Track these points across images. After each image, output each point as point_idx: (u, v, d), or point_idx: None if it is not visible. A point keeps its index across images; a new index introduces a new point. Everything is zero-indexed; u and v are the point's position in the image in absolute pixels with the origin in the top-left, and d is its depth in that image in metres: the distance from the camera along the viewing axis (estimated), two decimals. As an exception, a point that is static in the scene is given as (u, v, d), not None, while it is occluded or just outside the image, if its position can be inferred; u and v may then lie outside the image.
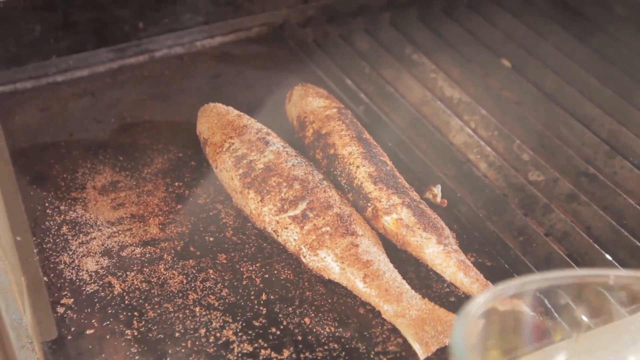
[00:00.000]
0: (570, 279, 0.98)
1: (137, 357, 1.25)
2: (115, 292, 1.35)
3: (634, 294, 0.97)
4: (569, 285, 0.97)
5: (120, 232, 1.47)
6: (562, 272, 1.02)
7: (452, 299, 1.34)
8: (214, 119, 1.57)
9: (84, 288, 1.36)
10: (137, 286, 1.36)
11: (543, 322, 1.03)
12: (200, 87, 1.86)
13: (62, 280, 1.37)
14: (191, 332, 1.29)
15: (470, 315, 0.91)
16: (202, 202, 1.53)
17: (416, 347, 1.24)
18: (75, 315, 1.32)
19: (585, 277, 0.99)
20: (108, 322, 1.30)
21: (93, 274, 1.39)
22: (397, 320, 1.27)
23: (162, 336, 1.28)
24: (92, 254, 1.42)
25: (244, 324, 1.30)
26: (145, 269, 1.39)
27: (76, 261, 1.41)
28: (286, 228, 1.38)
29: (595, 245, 1.43)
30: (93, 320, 1.31)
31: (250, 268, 1.40)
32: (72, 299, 1.34)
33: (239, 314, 1.31)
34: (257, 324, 1.30)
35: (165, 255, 1.42)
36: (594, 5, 2.05)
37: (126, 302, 1.34)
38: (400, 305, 1.27)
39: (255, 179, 1.44)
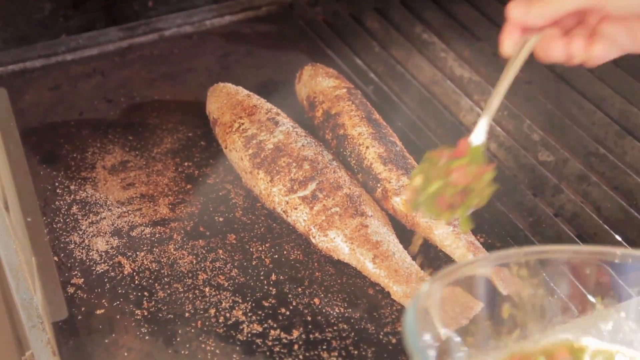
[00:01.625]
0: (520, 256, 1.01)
1: (147, 337, 1.26)
2: (125, 272, 1.36)
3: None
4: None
5: (130, 212, 1.47)
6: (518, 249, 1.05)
7: (461, 280, 1.34)
8: (224, 98, 1.57)
9: (94, 268, 1.37)
10: (147, 266, 1.37)
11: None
12: (210, 67, 1.85)
13: (72, 260, 1.38)
14: (201, 312, 1.29)
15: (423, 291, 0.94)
16: (212, 182, 1.53)
17: (437, 326, 1.24)
18: (85, 295, 1.32)
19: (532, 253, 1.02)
20: (118, 302, 1.31)
21: (103, 253, 1.39)
22: (407, 301, 1.27)
23: (171, 316, 1.29)
24: (102, 234, 1.42)
25: (253, 305, 1.30)
26: (155, 249, 1.40)
27: (86, 241, 1.41)
28: (296, 208, 1.39)
29: (605, 226, 1.43)
30: (103, 300, 1.31)
31: (260, 248, 1.40)
32: (82, 279, 1.35)
33: (249, 295, 1.32)
34: (266, 304, 1.31)
35: (175, 235, 1.42)
36: None
37: (136, 282, 1.34)
38: (410, 286, 1.28)
39: (264, 159, 1.44)
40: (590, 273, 1.00)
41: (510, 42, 1.15)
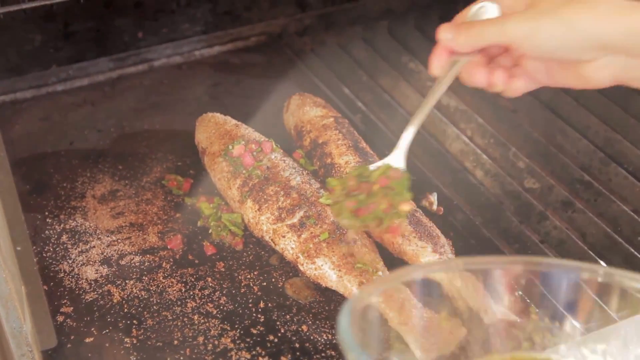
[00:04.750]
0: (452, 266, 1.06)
1: (136, 365, 1.27)
2: (115, 301, 1.36)
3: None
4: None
5: (119, 240, 1.48)
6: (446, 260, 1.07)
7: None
8: (212, 128, 1.59)
9: (83, 296, 1.37)
10: (136, 294, 1.38)
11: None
12: (199, 96, 1.87)
13: (62, 289, 1.39)
14: (190, 340, 1.30)
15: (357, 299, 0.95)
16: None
17: (417, 354, 1.25)
18: (74, 324, 1.33)
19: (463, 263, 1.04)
20: (107, 330, 1.32)
21: (92, 282, 1.40)
22: (401, 328, 1.28)
23: (160, 344, 1.29)
24: (91, 263, 1.43)
25: (242, 332, 1.31)
26: (144, 278, 1.41)
27: (76, 270, 1.42)
28: (283, 237, 1.40)
29: (590, 252, 1.44)
30: (92, 329, 1.32)
31: (248, 276, 1.41)
32: (72, 307, 1.35)
33: (237, 322, 1.33)
34: (255, 331, 1.31)
35: (164, 263, 1.43)
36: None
37: (125, 310, 1.35)
38: (403, 313, 1.28)
39: (252, 188, 1.45)
40: (525, 283, 1.03)
41: (438, 63, 1.22)
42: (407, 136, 1.33)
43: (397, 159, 1.33)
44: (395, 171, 1.29)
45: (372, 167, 1.31)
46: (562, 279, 1.00)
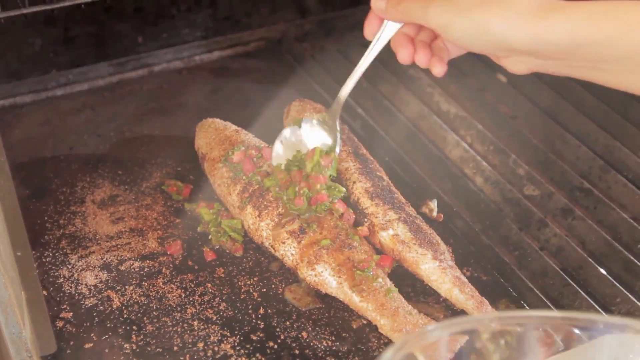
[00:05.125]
0: (486, 322, 0.99)
1: (135, 371, 1.27)
2: (114, 306, 1.36)
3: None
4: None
5: (119, 246, 1.48)
6: (480, 315, 1.04)
7: (448, 314, 1.35)
8: (212, 134, 1.59)
9: (83, 302, 1.37)
10: (135, 300, 1.37)
11: None
12: (199, 102, 1.87)
13: (61, 294, 1.38)
14: (189, 346, 1.30)
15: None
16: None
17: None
18: (74, 329, 1.33)
19: (498, 319, 1.00)
20: (107, 336, 1.31)
21: (92, 287, 1.40)
22: (394, 334, 1.28)
23: (160, 350, 1.29)
24: (91, 268, 1.43)
25: (241, 338, 1.31)
26: (144, 283, 1.41)
27: (75, 275, 1.42)
28: (283, 243, 1.40)
29: (590, 260, 1.44)
30: (92, 334, 1.32)
31: (248, 282, 1.41)
32: (71, 313, 1.35)
33: (237, 328, 1.33)
34: (254, 338, 1.31)
35: (164, 269, 1.43)
36: None
37: (125, 316, 1.35)
38: (397, 320, 1.29)
39: (252, 194, 1.45)
40: (563, 339, 0.99)
41: (370, 28, 1.34)
42: (343, 94, 1.47)
43: (330, 126, 1.49)
44: (326, 158, 1.45)
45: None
46: (604, 338, 0.94)
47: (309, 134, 1.50)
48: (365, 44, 2.02)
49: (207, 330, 1.32)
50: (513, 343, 0.96)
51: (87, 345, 1.30)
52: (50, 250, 1.47)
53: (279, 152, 1.49)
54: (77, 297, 1.38)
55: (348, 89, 1.45)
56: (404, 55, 1.31)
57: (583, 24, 1.06)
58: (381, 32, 1.32)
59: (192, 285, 1.40)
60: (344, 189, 1.45)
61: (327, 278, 1.35)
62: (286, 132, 1.50)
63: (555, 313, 1.06)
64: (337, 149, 1.48)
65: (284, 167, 1.47)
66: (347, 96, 1.47)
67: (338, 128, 1.48)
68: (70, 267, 1.43)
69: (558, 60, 1.12)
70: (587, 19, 1.06)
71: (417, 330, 0.94)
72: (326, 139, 1.49)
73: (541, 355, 0.98)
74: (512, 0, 1.11)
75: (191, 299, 1.38)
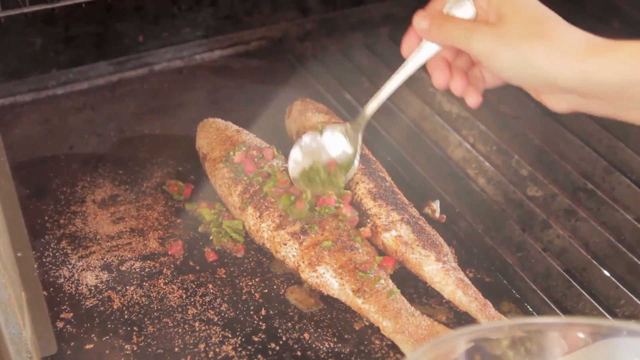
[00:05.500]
0: (505, 329, 0.97)
1: (136, 372, 1.26)
2: (115, 307, 1.36)
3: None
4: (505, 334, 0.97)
5: (119, 246, 1.47)
6: (498, 322, 1.02)
7: (451, 316, 1.34)
8: (213, 134, 1.58)
9: (83, 302, 1.36)
10: (136, 301, 1.37)
11: None
12: (200, 101, 1.86)
13: (62, 295, 1.38)
14: (191, 347, 1.29)
15: None
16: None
17: (414, 363, 1.24)
18: (74, 330, 1.32)
19: (518, 326, 0.98)
20: (107, 337, 1.31)
21: (92, 288, 1.39)
22: (396, 336, 1.27)
23: (161, 351, 1.29)
24: (91, 268, 1.42)
25: (243, 339, 1.30)
26: (144, 284, 1.40)
27: (75, 275, 1.41)
28: (285, 244, 1.39)
29: (593, 261, 1.44)
30: (92, 335, 1.31)
31: (250, 283, 1.40)
32: (72, 314, 1.35)
33: (239, 329, 1.32)
34: (256, 339, 1.30)
35: (165, 269, 1.42)
36: (587, 18, 2.05)
37: (125, 316, 1.34)
38: (399, 322, 1.28)
39: (253, 195, 1.45)
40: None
41: (408, 46, 1.30)
42: (370, 110, 1.43)
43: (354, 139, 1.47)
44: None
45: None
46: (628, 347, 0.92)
47: (330, 141, 1.48)
48: (368, 44, 2.03)
49: (208, 331, 1.32)
50: (533, 350, 0.95)
51: (87, 346, 1.29)
52: (50, 250, 1.46)
53: (298, 158, 1.46)
54: (77, 298, 1.37)
55: (375, 105, 1.42)
56: (439, 80, 1.28)
57: (632, 63, 1.04)
58: (418, 52, 1.29)
59: (194, 286, 1.39)
60: (349, 191, 1.44)
61: (329, 279, 1.34)
62: (306, 138, 1.48)
63: (577, 319, 1.05)
64: (356, 162, 1.46)
65: (300, 175, 1.44)
66: (373, 113, 1.44)
67: (359, 141, 1.46)
68: (70, 267, 1.43)
69: (603, 100, 1.10)
70: (636, 59, 1.04)
71: (433, 339, 0.93)
72: (347, 148, 1.47)
73: None
74: (560, 36, 1.09)
75: (192, 299, 1.37)
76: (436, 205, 1.52)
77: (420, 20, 1.23)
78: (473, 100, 1.26)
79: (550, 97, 1.16)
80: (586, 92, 1.10)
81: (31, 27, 1.85)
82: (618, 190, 1.59)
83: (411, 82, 1.86)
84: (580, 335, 0.94)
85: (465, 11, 1.22)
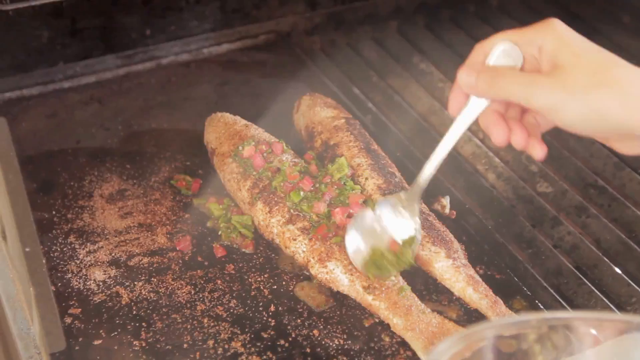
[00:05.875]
0: (534, 323, 0.96)
1: (145, 369, 1.25)
2: (123, 302, 1.35)
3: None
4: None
5: (127, 241, 1.46)
6: (525, 316, 1.01)
7: (461, 313, 1.34)
8: (222, 128, 1.57)
9: (91, 298, 1.36)
10: (145, 296, 1.36)
11: None
12: (207, 95, 1.85)
13: (70, 290, 1.37)
14: (199, 343, 1.28)
15: None
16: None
17: (425, 360, 1.24)
18: (83, 326, 1.31)
19: (545, 320, 0.97)
20: (116, 333, 1.30)
21: (101, 283, 1.38)
22: (407, 333, 1.26)
23: (170, 347, 1.28)
24: (99, 264, 1.41)
25: (252, 336, 1.29)
26: (153, 279, 1.39)
27: (83, 270, 1.40)
28: (294, 240, 1.38)
29: (604, 258, 1.43)
30: (101, 331, 1.30)
31: (259, 279, 1.39)
32: (80, 309, 1.34)
33: (248, 326, 1.31)
34: (265, 335, 1.30)
35: (173, 265, 1.41)
36: (596, 13, 2.04)
37: (134, 312, 1.33)
38: (410, 319, 1.27)
39: (263, 189, 1.44)
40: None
41: (456, 104, 1.20)
42: (425, 176, 1.31)
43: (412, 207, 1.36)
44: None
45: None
46: None
47: (385, 218, 1.36)
48: (376, 37, 2.02)
49: (217, 327, 1.31)
50: (560, 344, 0.94)
51: (96, 342, 1.29)
52: (58, 245, 1.45)
53: (359, 245, 1.34)
54: (85, 293, 1.36)
55: (429, 173, 1.30)
56: (500, 137, 1.18)
57: None
58: (467, 109, 1.19)
59: (202, 282, 1.38)
60: (358, 187, 1.43)
61: (339, 276, 1.34)
62: (360, 219, 1.36)
63: (607, 315, 1.03)
64: (419, 235, 1.35)
65: (364, 263, 1.33)
66: (428, 181, 1.31)
67: (417, 211, 1.35)
68: (78, 262, 1.42)
69: None
70: None
71: (460, 333, 0.91)
72: (406, 220, 1.36)
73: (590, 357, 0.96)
74: (628, 82, 1.04)
75: (201, 295, 1.36)
76: (446, 201, 1.52)
77: (465, 76, 1.15)
78: (539, 151, 1.18)
79: (623, 144, 1.10)
80: None
81: (38, 20, 1.84)
82: (629, 186, 1.58)
83: (420, 77, 1.86)
84: (609, 330, 0.93)
85: (513, 60, 1.14)
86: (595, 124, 1.06)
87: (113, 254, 1.43)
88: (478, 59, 1.16)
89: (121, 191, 1.57)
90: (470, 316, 1.33)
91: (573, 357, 0.95)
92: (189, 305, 1.34)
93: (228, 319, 1.32)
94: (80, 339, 1.29)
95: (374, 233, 1.35)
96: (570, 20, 1.15)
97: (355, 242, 1.34)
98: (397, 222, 1.35)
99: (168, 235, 1.47)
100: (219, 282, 1.39)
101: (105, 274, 1.40)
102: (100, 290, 1.37)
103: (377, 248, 1.33)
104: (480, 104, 1.18)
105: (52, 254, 1.43)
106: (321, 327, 1.31)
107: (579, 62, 1.06)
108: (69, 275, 1.39)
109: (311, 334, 1.30)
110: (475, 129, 1.71)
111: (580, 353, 0.94)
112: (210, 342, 1.28)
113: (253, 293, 1.37)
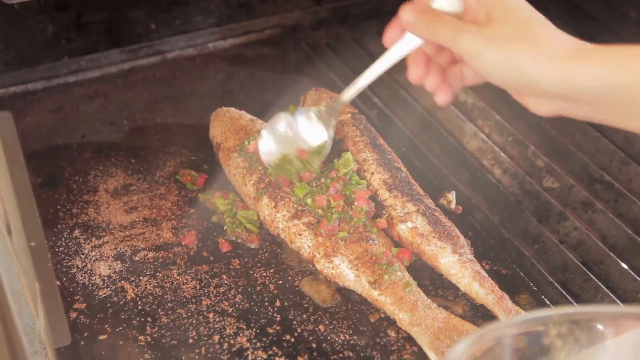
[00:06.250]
0: (554, 318, 0.95)
1: (150, 364, 1.25)
2: (128, 297, 1.35)
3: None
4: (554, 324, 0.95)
5: (132, 236, 1.46)
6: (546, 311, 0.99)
7: (467, 308, 1.33)
8: (227, 123, 1.56)
9: (96, 293, 1.35)
10: (150, 291, 1.36)
11: None
12: (213, 90, 1.85)
13: (75, 285, 1.37)
14: (205, 338, 1.28)
15: None
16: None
17: (431, 356, 1.24)
18: (88, 321, 1.31)
19: (567, 315, 0.96)
20: (121, 328, 1.30)
21: (106, 278, 1.38)
22: (413, 328, 1.26)
23: (175, 342, 1.28)
24: (104, 258, 1.41)
25: (258, 331, 1.29)
26: (158, 274, 1.39)
27: (89, 265, 1.40)
28: (300, 235, 1.38)
29: (611, 254, 1.42)
30: (106, 326, 1.30)
31: (264, 274, 1.39)
32: (85, 304, 1.34)
33: (253, 321, 1.31)
34: (271, 330, 1.29)
35: (179, 260, 1.41)
36: (603, 8, 2.03)
37: (139, 307, 1.33)
38: (416, 314, 1.27)
39: (268, 184, 1.43)
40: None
41: (391, 37, 1.26)
42: (345, 97, 1.39)
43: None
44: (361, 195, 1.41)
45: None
46: None
47: (303, 125, 1.46)
48: (381, 32, 2.00)
49: (222, 322, 1.31)
50: (583, 339, 0.93)
51: (101, 337, 1.29)
52: (63, 239, 1.45)
53: (270, 147, 1.45)
54: (90, 288, 1.36)
55: (352, 93, 1.38)
56: (414, 75, 1.25)
57: (615, 68, 1.02)
58: (401, 43, 1.25)
59: (207, 277, 1.38)
60: (364, 182, 1.43)
61: (345, 271, 1.33)
62: (278, 122, 1.46)
63: (630, 309, 1.02)
64: (328, 147, 1.44)
65: (271, 169, 1.43)
66: (349, 100, 1.40)
67: (333, 125, 1.44)
68: (83, 257, 1.42)
69: (585, 105, 1.08)
70: (619, 63, 1.02)
71: (480, 330, 0.90)
72: (320, 132, 1.45)
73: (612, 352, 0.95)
74: (546, 39, 1.07)
75: (206, 290, 1.36)
76: (452, 196, 1.51)
77: (407, 13, 1.18)
78: (441, 97, 1.24)
79: (533, 100, 1.13)
80: (569, 97, 1.08)
81: (43, 14, 1.84)
82: (635, 182, 1.57)
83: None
84: (633, 325, 0.92)
85: (453, 8, 1.17)
86: (507, 74, 1.09)
87: (118, 249, 1.43)
88: (423, 1, 1.20)
89: (126, 186, 1.57)
90: (477, 312, 1.32)
91: (594, 348, 0.94)
92: (194, 300, 1.34)
93: (234, 314, 1.32)
94: (86, 334, 1.29)
95: (287, 138, 1.44)
96: (577, 16, 1.15)
97: (268, 144, 1.44)
98: (311, 131, 1.44)
99: (173, 230, 1.47)
100: (224, 277, 1.38)
101: (110, 269, 1.39)
102: (105, 285, 1.37)
103: (287, 154, 1.42)
104: (414, 42, 1.23)
105: (57, 249, 1.43)
106: (327, 322, 1.31)
107: (507, 17, 1.10)
108: (74, 270, 1.39)
109: (317, 329, 1.30)
110: (480, 125, 1.71)
111: (600, 344, 0.94)
112: (216, 337, 1.28)
113: (259, 288, 1.37)
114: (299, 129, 1.45)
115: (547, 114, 1.14)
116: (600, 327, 0.93)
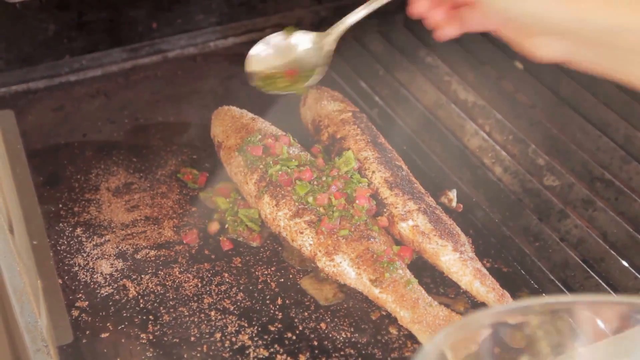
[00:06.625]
0: (535, 308, 0.95)
1: (152, 362, 1.25)
2: (130, 295, 1.35)
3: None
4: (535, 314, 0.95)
5: (134, 234, 1.46)
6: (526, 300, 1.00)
7: (468, 306, 1.34)
8: (229, 122, 1.57)
9: (98, 291, 1.36)
10: (152, 289, 1.36)
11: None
12: (214, 88, 1.85)
13: (77, 283, 1.37)
14: (207, 336, 1.28)
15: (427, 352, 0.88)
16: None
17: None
18: (90, 319, 1.31)
19: (548, 305, 0.96)
20: (123, 326, 1.30)
21: (108, 276, 1.38)
22: (414, 326, 1.27)
23: (177, 340, 1.28)
24: (106, 257, 1.42)
25: (259, 329, 1.30)
26: (160, 272, 1.39)
27: (90, 263, 1.40)
28: (301, 233, 1.38)
29: (611, 251, 1.42)
30: (108, 324, 1.31)
31: (266, 272, 1.39)
32: (87, 302, 1.34)
33: (255, 319, 1.31)
34: (272, 328, 1.30)
35: (180, 258, 1.42)
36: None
37: (141, 305, 1.33)
38: (417, 312, 1.27)
39: (270, 183, 1.44)
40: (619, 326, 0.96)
41: None
42: (343, 27, 1.42)
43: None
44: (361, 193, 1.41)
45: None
46: None
47: (299, 44, 1.48)
48: (382, 31, 2.01)
49: (224, 320, 1.31)
50: (564, 329, 0.93)
51: (103, 335, 1.29)
52: (65, 238, 1.45)
53: (261, 53, 1.48)
54: (92, 286, 1.37)
55: (352, 20, 1.42)
56: (418, 9, 1.26)
57: (624, 9, 1.03)
58: None
59: (209, 275, 1.39)
60: (365, 180, 1.43)
61: (346, 269, 1.34)
62: (274, 38, 1.49)
63: (609, 298, 1.03)
64: (321, 74, 1.46)
65: (261, 75, 1.46)
66: (348, 28, 1.43)
67: (331, 51, 1.45)
68: (85, 255, 1.42)
69: (593, 47, 1.08)
70: (627, 4, 1.03)
71: (458, 321, 0.91)
72: (314, 55, 1.47)
73: (593, 341, 0.95)
74: None
75: (208, 288, 1.36)
76: (453, 194, 1.51)
77: None
78: (447, 31, 1.24)
79: (538, 40, 1.12)
80: (578, 35, 1.08)
81: (45, 13, 1.84)
82: (635, 180, 1.57)
83: (426, 71, 1.85)
84: (613, 314, 0.92)
85: None
86: (519, 13, 1.10)
87: (120, 247, 1.44)
88: None
89: (128, 184, 1.57)
90: (478, 309, 1.33)
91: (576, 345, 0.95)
92: (196, 298, 1.35)
93: (235, 312, 1.32)
94: (88, 332, 1.29)
95: (280, 55, 1.47)
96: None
97: (260, 51, 1.48)
98: (305, 54, 1.45)
99: (175, 229, 1.47)
100: (225, 275, 1.39)
101: (112, 267, 1.40)
102: (107, 283, 1.37)
103: (277, 71, 1.45)
104: None
105: (59, 247, 1.43)
106: (328, 320, 1.31)
107: None
108: (76, 269, 1.40)
109: (318, 327, 1.30)
110: (481, 123, 1.71)
111: (584, 336, 0.94)
112: (218, 335, 1.29)
113: (260, 286, 1.37)
114: (295, 50, 1.47)
115: (552, 58, 1.13)
116: (580, 316, 0.93)
